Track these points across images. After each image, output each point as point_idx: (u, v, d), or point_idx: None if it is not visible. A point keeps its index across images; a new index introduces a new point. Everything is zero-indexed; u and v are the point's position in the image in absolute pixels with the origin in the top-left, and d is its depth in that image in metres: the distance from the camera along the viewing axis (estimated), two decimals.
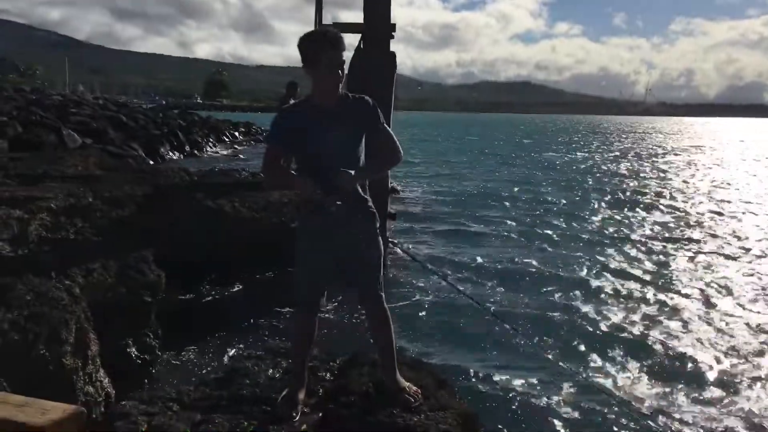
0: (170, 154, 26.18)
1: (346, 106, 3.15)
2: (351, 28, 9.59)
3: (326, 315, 7.27)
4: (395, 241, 9.84)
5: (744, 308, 7.87)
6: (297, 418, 3.14)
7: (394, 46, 9.33)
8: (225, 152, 31.69)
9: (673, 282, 9.06)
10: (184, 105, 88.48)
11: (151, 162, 20.58)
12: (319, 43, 3.04)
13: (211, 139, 35.02)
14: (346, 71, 3.12)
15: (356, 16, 9.39)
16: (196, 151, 29.34)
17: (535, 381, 5.70)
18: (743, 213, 15.78)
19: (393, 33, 9.25)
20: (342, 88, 3.20)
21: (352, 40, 9.26)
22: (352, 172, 3.03)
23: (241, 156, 29.50)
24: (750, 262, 10.33)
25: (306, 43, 3.06)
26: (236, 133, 42.90)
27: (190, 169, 13.58)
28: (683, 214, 15.53)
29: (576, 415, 5.15)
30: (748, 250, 11.30)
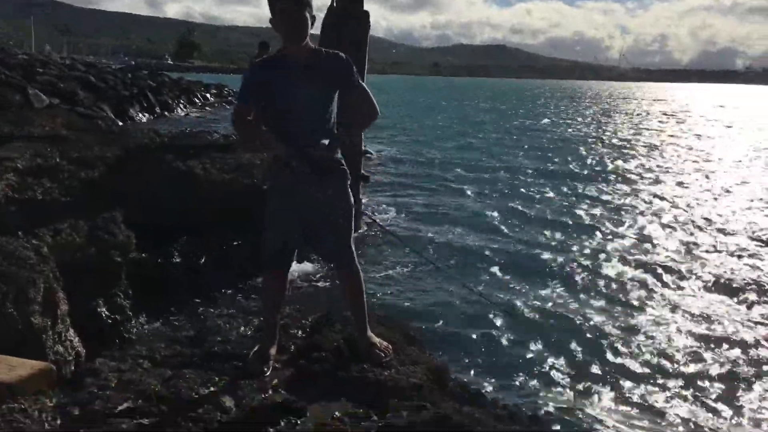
0: (140, 115, 25.76)
1: (318, 61, 3.10)
2: None
3: (297, 271, 7.32)
4: (371, 214, 9.80)
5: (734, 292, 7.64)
6: (268, 373, 3.17)
7: (368, 6, 9.21)
8: (196, 114, 31.23)
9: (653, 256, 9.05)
10: (154, 66, 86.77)
11: (121, 123, 20.22)
12: None
13: (182, 101, 34.47)
14: (310, 22, 3.05)
15: None
16: (166, 113, 28.91)
17: (504, 335, 5.82)
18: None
19: None
20: (315, 44, 3.16)
21: None
22: (326, 142, 3.02)
23: (213, 118, 29.11)
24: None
25: None
26: (208, 95, 42.24)
27: (160, 131, 13.39)
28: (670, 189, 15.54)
29: (546, 367, 5.29)
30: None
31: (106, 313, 5.39)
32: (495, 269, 7.81)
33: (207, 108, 36.29)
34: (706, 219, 11.24)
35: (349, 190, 3.28)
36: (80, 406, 2.72)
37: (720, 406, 4.92)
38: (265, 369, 3.17)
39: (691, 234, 10.12)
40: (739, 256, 8.90)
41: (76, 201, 6.39)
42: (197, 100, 38.46)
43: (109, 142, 9.52)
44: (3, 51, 36.70)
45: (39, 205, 6.07)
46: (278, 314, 3.45)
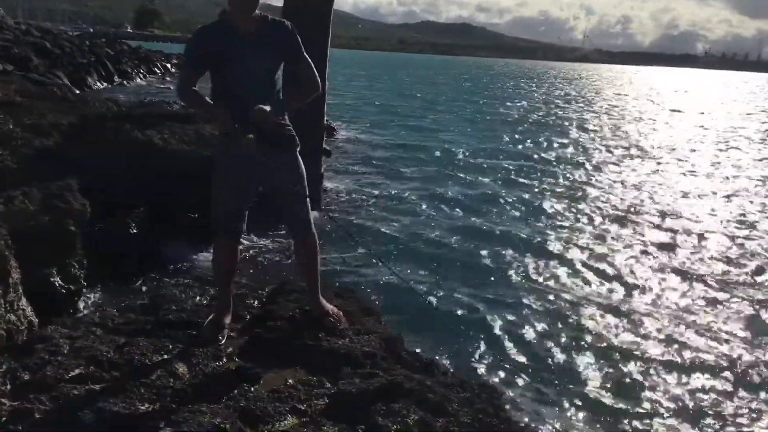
0: (98, 84, 25.16)
1: (266, 30, 3.07)
2: None
3: (255, 244, 7.29)
4: (331, 213, 9.52)
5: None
6: (222, 341, 3.18)
7: None
8: (156, 84, 30.63)
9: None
10: (113, 34, 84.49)
11: (78, 91, 19.73)
12: None
13: (141, 70, 33.76)
14: None
15: None
16: (125, 82, 28.30)
17: (462, 304, 5.95)
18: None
19: None
20: (276, 15, 3.13)
21: None
22: (268, 107, 2.97)
23: (173, 88, 28.58)
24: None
25: None
26: (168, 65, 41.40)
27: (118, 99, 13.13)
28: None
29: (497, 340, 5.42)
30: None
31: (60, 282, 5.32)
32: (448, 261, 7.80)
33: (167, 78, 35.58)
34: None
35: (299, 157, 3.26)
36: (30, 372, 2.71)
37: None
38: (220, 337, 3.19)
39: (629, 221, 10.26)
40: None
41: (30, 169, 6.26)
42: (157, 70, 37.69)
43: (65, 110, 9.31)
44: None
45: None
46: (231, 283, 3.45)
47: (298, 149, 3.26)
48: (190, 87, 3.10)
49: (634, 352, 5.43)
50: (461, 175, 13.09)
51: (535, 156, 16.11)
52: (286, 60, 3.14)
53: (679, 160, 16.65)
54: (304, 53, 3.18)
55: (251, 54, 3.01)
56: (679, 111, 35.34)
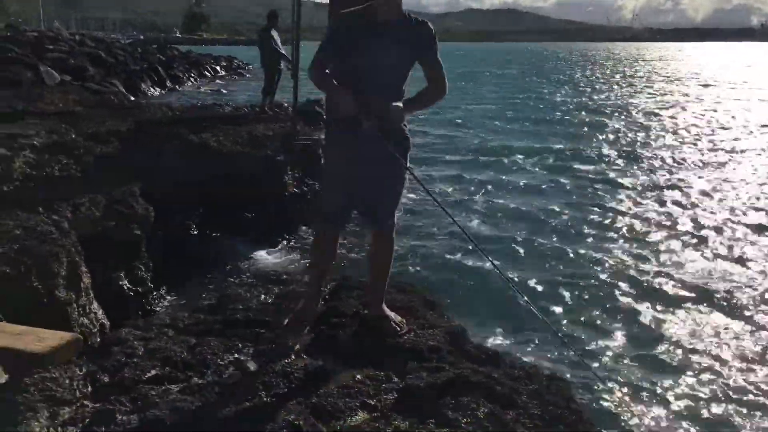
0: (151, 89, 25.73)
1: (406, 26, 3.07)
2: None
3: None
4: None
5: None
6: (305, 332, 3.21)
7: None
8: (207, 87, 31.18)
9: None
10: (163, 40, 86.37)
11: (132, 98, 20.24)
12: None
13: (192, 74, 34.40)
14: None
15: None
16: (177, 86, 28.87)
17: (523, 303, 5.87)
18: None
19: None
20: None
21: None
22: (401, 104, 3.00)
23: (223, 91, 29.06)
24: None
25: None
26: (218, 68, 42.13)
27: (172, 105, 13.43)
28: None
29: (564, 330, 5.35)
30: None
31: (128, 285, 5.50)
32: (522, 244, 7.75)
33: (218, 80, 36.21)
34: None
35: (407, 160, 3.21)
36: (109, 373, 2.79)
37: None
38: (304, 327, 3.22)
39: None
40: None
41: (93, 176, 6.47)
42: (208, 73, 38.38)
43: (122, 117, 9.60)
44: (13, 28, 36.75)
45: (57, 181, 6.16)
46: (326, 272, 3.45)
47: (409, 150, 3.22)
48: (323, 68, 3.08)
49: (726, 354, 5.14)
50: (526, 167, 12.90)
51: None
52: (419, 60, 3.12)
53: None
54: (438, 56, 3.16)
55: (385, 46, 2.99)
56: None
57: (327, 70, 3.08)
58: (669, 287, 6.40)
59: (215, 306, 3.66)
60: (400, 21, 3.05)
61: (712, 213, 9.08)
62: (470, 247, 7.12)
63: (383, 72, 3.02)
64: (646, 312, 5.79)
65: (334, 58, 3.08)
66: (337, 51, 3.05)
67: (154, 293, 5.75)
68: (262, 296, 3.76)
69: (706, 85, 35.56)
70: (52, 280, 4.06)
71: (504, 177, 11.62)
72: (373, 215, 3.28)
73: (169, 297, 5.70)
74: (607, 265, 6.98)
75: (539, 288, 6.33)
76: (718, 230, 8.28)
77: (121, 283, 5.42)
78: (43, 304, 3.99)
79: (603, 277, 6.61)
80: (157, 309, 5.35)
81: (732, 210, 9.20)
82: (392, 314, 3.38)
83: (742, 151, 14.29)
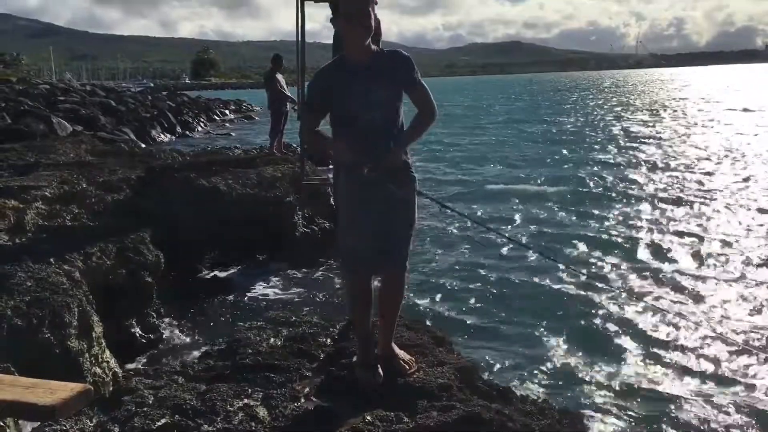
0: (162, 136, 26.10)
1: (381, 61, 3.03)
2: None
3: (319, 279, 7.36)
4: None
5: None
6: (381, 380, 3.15)
7: (378, 12, 9.25)
8: (216, 131, 31.57)
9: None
10: (172, 86, 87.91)
11: (143, 145, 20.53)
12: None
13: (201, 119, 34.87)
14: (374, 24, 2.97)
15: None
16: (187, 132, 29.25)
17: (533, 335, 5.82)
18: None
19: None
20: (374, 44, 3.06)
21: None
22: (397, 150, 2.99)
23: (233, 134, 29.42)
24: None
25: None
26: (227, 111, 42.74)
27: (182, 150, 13.61)
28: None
29: (575, 364, 5.28)
30: None
31: (140, 332, 5.53)
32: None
33: (227, 124, 36.69)
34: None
35: (416, 199, 3.19)
36: (119, 424, 2.80)
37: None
38: (378, 376, 3.17)
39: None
40: None
41: (105, 224, 6.54)
42: (217, 117, 38.93)
43: (133, 165, 9.72)
44: (25, 82, 37.53)
45: (69, 231, 6.23)
46: (369, 318, 3.34)
47: (417, 189, 3.19)
48: (313, 130, 3.10)
49: (738, 386, 4.98)
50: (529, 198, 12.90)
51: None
52: (402, 88, 3.09)
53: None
54: (420, 80, 3.13)
55: (369, 85, 2.97)
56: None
57: (320, 124, 3.09)
58: (686, 325, 6.30)
59: (225, 351, 3.66)
60: (373, 58, 3.03)
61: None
62: (473, 285, 7.13)
63: (374, 112, 3.00)
64: (659, 346, 5.68)
65: (322, 114, 3.09)
66: (321, 107, 3.06)
67: (166, 338, 5.76)
68: (272, 339, 3.76)
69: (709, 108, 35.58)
70: (64, 330, 4.09)
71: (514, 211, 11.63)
72: (386, 257, 3.21)
73: (180, 341, 5.71)
74: (628, 296, 6.90)
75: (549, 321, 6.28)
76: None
77: (133, 330, 5.45)
78: (56, 355, 4.01)
79: (615, 311, 6.55)
80: (169, 355, 5.35)
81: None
82: (401, 353, 3.35)
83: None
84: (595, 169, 15.73)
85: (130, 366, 4.85)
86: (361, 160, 2.88)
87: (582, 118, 33.16)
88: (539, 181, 14.33)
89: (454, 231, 9.84)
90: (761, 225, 9.48)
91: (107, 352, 4.58)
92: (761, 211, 10.38)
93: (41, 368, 3.79)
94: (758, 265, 7.59)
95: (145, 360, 5.19)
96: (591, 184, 13.65)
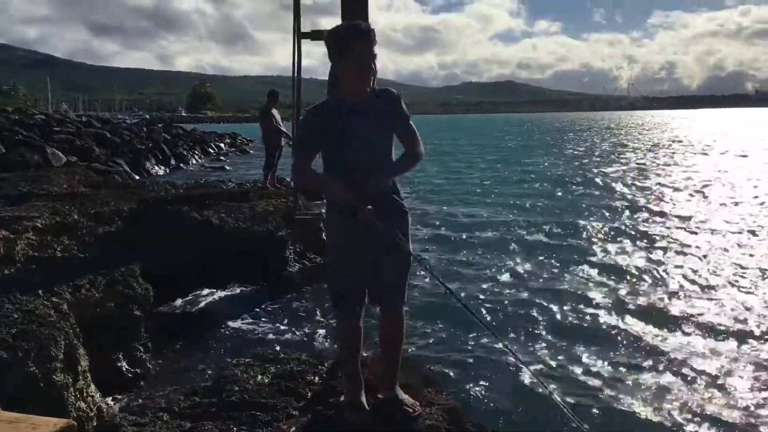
0: (156, 168, 26.13)
1: (374, 100, 3.04)
2: None
3: (311, 317, 7.31)
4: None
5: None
6: (367, 420, 3.11)
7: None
8: (211, 164, 31.67)
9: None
10: (168, 118, 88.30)
11: (137, 177, 20.56)
12: (349, 35, 2.92)
13: (196, 152, 34.99)
14: (377, 67, 2.99)
15: (335, 23, 9.42)
16: (181, 164, 29.31)
17: (521, 377, 5.79)
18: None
19: None
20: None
21: None
22: (384, 179, 3.00)
23: (227, 167, 29.49)
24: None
25: (335, 37, 2.96)
26: (222, 145, 42.90)
27: (176, 182, 13.63)
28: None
29: (566, 407, 5.22)
30: None
31: (126, 366, 5.46)
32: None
33: (222, 157, 36.80)
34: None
35: (409, 233, 3.18)
36: None
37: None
38: (367, 417, 3.10)
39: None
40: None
41: (95, 256, 6.52)
42: (212, 150, 39.05)
43: (126, 197, 9.73)
44: (21, 112, 37.62)
45: (58, 263, 6.20)
46: (359, 360, 3.31)
47: (409, 223, 3.20)
48: (305, 167, 3.06)
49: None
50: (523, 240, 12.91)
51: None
52: (393, 127, 3.10)
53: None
54: (410, 121, 3.15)
55: (363, 124, 2.99)
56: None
57: (311, 165, 3.07)
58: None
59: (211, 388, 3.63)
60: (368, 97, 3.04)
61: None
62: (467, 319, 7.08)
63: (367, 150, 3.01)
64: (652, 381, 5.69)
65: (314, 152, 3.07)
66: (314, 144, 3.05)
67: (152, 372, 5.69)
68: (259, 377, 3.73)
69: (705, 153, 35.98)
70: (49, 364, 4.04)
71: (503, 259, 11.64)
72: (383, 295, 3.21)
73: (166, 376, 5.64)
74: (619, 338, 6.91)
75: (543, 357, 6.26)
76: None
77: (119, 364, 5.39)
78: (40, 388, 3.96)
79: (608, 346, 6.54)
80: (154, 391, 5.28)
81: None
82: (405, 397, 3.27)
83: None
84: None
85: (115, 401, 4.78)
86: (357, 200, 2.88)
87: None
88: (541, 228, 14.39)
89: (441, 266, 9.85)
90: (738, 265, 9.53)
91: (92, 387, 4.52)
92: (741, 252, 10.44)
93: (26, 402, 3.75)
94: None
95: (130, 395, 5.12)
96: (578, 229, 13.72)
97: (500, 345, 6.50)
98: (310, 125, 3.09)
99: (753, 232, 12.00)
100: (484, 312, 7.61)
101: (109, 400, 4.63)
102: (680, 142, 47.10)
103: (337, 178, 2.96)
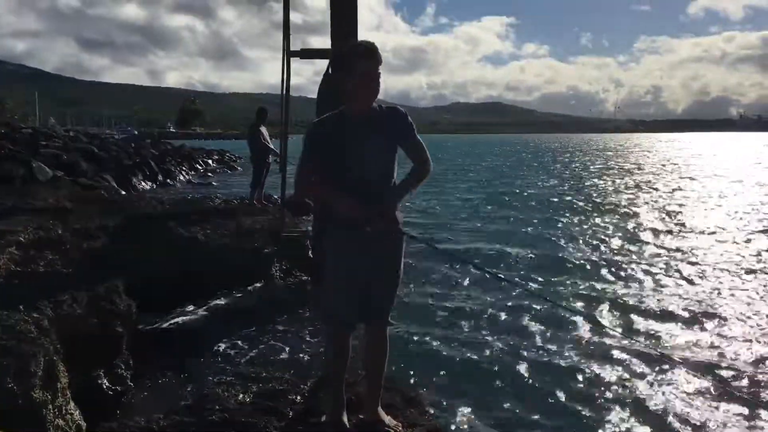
0: (143, 183, 26.00)
1: (379, 117, 3.10)
2: (319, 54, 9.70)
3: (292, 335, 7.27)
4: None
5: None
6: None
7: None
8: (198, 180, 31.57)
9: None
10: (157, 134, 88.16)
11: (124, 192, 20.45)
12: (355, 53, 3.00)
13: (184, 168, 34.87)
14: (381, 84, 3.05)
15: (324, 42, 9.49)
16: (169, 180, 29.19)
17: (506, 394, 5.77)
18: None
19: None
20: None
21: (320, 66, 9.36)
22: (392, 204, 3.03)
23: (214, 183, 29.41)
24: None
25: (344, 52, 3.05)
26: (210, 161, 42.80)
27: (162, 198, 13.58)
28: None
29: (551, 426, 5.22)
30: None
31: (107, 383, 5.39)
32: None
33: (209, 174, 36.69)
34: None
35: (403, 256, 3.22)
36: None
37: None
38: None
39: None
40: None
41: (78, 272, 6.46)
42: (199, 167, 38.94)
43: (112, 212, 9.68)
44: (9, 126, 37.43)
45: (41, 278, 6.15)
46: (344, 373, 3.33)
47: (404, 247, 3.22)
48: (309, 178, 3.10)
49: None
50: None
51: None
52: (400, 144, 3.15)
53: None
54: (417, 136, 3.19)
55: (368, 138, 3.03)
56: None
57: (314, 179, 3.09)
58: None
59: (192, 407, 3.60)
60: (374, 114, 3.09)
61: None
62: (450, 334, 7.10)
63: (371, 163, 3.05)
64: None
65: (317, 166, 3.09)
66: (319, 158, 3.06)
67: (134, 390, 5.62)
68: (241, 395, 3.70)
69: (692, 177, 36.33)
70: (28, 380, 3.99)
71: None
72: (370, 311, 3.21)
73: (147, 394, 5.57)
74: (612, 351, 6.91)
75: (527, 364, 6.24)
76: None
77: (100, 381, 5.32)
78: (18, 405, 3.90)
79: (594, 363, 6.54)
80: (135, 409, 5.21)
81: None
82: (387, 418, 3.28)
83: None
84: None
85: (94, 419, 4.71)
86: (367, 215, 2.89)
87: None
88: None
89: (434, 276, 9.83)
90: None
91: (71, 404, 4.46)
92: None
93: (3, 419, 3.69)
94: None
95: (110, 413, 5.04)
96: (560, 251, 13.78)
97: (489, 352, 6.53)
98: (316, 136, 3.11)
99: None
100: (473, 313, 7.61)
101: (88, 417, 4.55)
102: (675, 164, 47.62)
103: (350, 194, 2.98)
